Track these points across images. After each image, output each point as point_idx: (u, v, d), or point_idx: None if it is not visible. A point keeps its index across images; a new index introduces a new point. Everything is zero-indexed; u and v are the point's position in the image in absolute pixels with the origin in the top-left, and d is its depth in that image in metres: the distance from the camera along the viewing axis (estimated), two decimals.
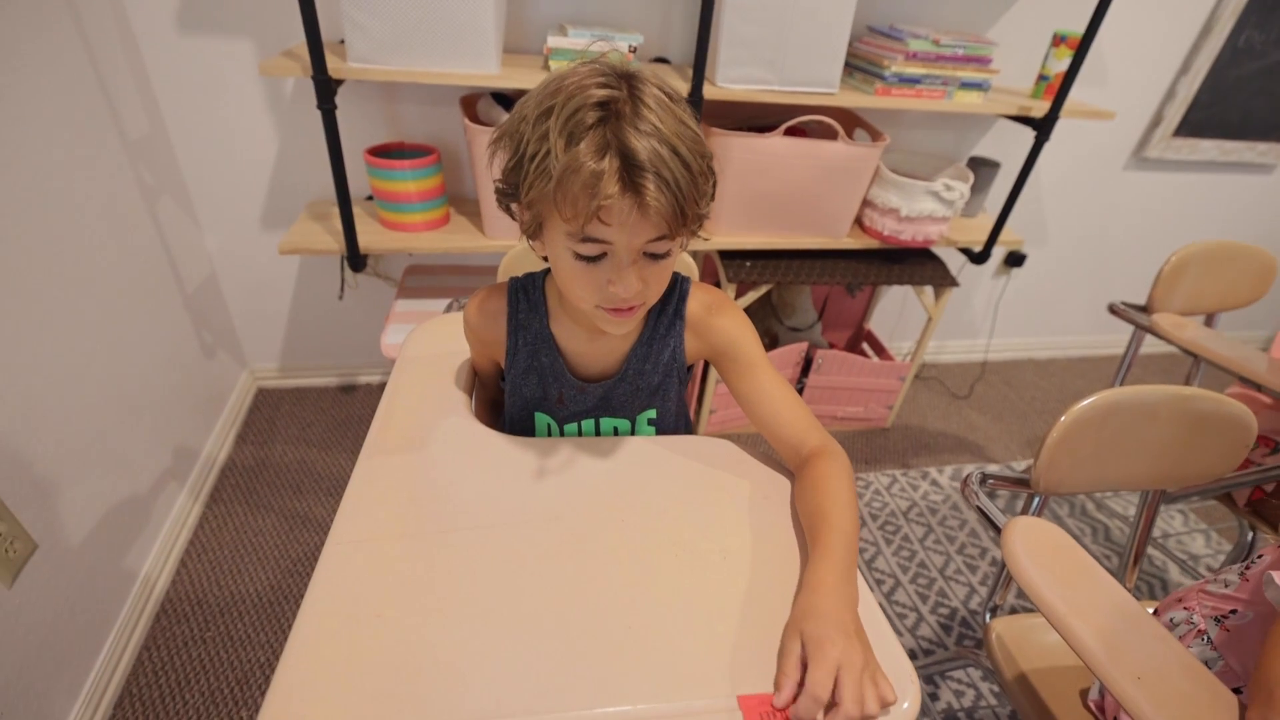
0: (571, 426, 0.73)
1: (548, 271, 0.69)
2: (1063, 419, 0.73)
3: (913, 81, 1.38)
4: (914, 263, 1.69)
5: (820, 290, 1.96)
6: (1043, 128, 1.47)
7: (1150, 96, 1.90)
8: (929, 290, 1.73)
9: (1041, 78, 1.53)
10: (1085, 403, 0.74)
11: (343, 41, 1.19)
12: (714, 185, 0.56)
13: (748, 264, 1.58)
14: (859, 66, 1.46)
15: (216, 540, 1.37)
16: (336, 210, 1.32)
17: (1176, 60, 1.85)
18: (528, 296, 0.68)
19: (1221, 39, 1.80)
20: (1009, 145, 1.83)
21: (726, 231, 1.54)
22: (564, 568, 0.54)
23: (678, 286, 0.68)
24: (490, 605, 0.50)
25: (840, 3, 1.25)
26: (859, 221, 1.64)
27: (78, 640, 1.04)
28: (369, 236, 1.35)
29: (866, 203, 1.59)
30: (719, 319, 0.68)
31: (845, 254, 1.66)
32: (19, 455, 0.93)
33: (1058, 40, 1.46)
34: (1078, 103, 1.61)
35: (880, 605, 0.71)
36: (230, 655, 1.17)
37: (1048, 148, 1.86)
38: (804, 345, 1.79)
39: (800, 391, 1.84)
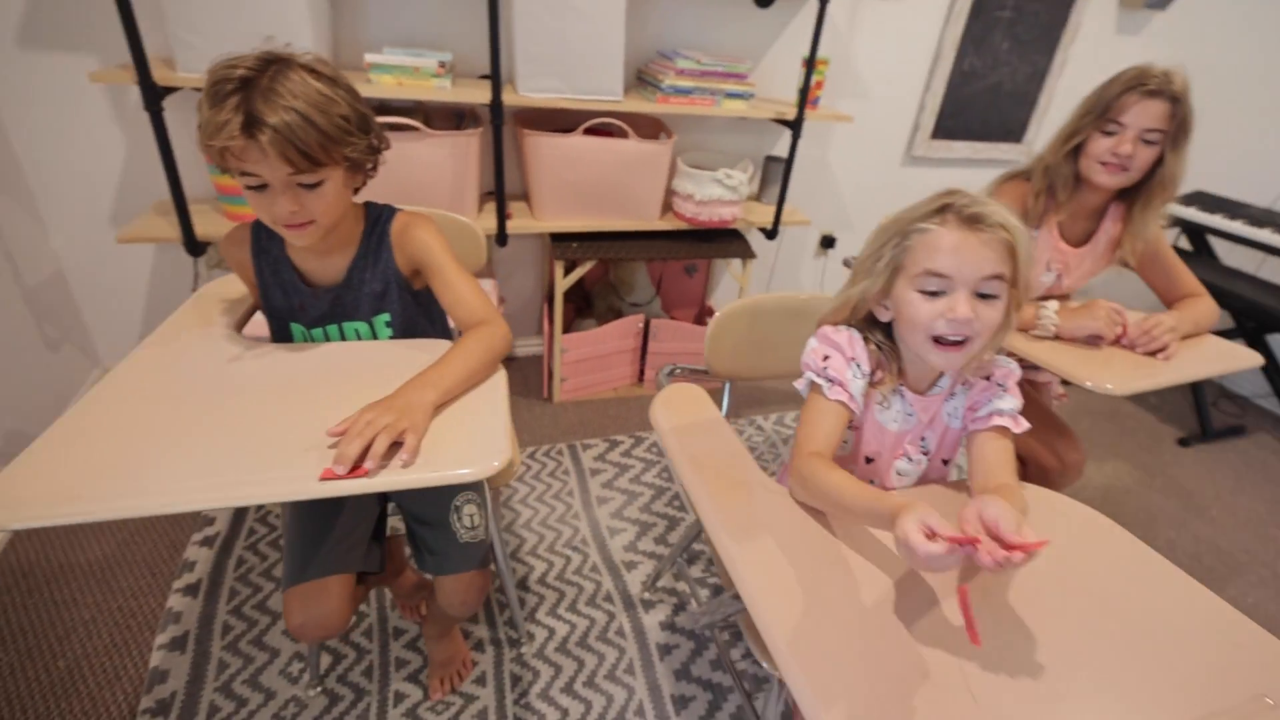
0: (318, 332, 0.94)
1: None
2: (716, 315, 1.01)
3: (685, 92, 1.70)
4: (720, 241, 2.01)
5: (655, 269, 2.26)
6: (795, 128, 1.83)
7: (908, 108, 2.34)
8: (736, 264, 2.05)
9: (801, 91, 1.90)
10: (733, 303, 1.02)
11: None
12: (367, 134, 0.82)
13: (574, 244, 1.85)
14: (647, 80, 1.78)
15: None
16: None
17: (921, 80, 2.30)
18: (267, 231, 0.90)
19: (949, 64, 2.26)
20: (807, 148, 2.21)
21: (551, 216, 1.80)
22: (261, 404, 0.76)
23: (383, 213, 0.93)
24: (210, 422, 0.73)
25: (610, 29, 1.55)
26: (671, 208, 1.95)
27: None
28: (210, 227, 1.51)
29: (672, 191, 1.90)
30: (412, 231, 0.92)
31: (660, 234, 1.97)
32: None
33: (804, 63, 1.83)
34: (827, 109, 2.00)
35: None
36: (54, 617, 1.25)
37: (843, 148, 2.28)
38: (640, 317, 2.06)
39: (642, 357, 2.12)
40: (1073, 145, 1.15)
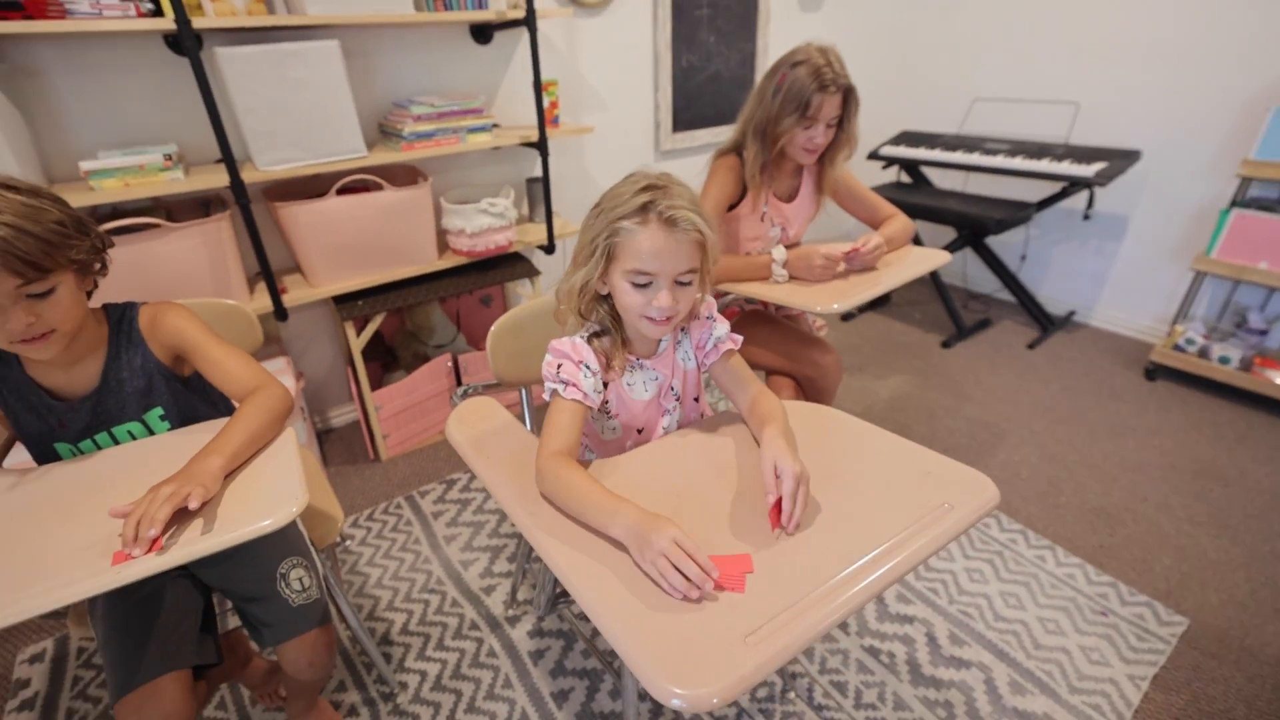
0: (88, 444, 0.93)
1: None
2: (490, 332, 1.13)
3: (428, 135, 1.80)
4: (504, 266, 2.13)
5: (450, 308, 2.32)
6: (542, 148, 2.00)
7: (645, 109, 2.61)
8: (527, 284, 2.18)
9: (538, 113, 2.06)
10: (499, 319, 1.15)
11: None
12: (87, 235, 0.83)
13: (360, 302, 1.87)
14: (390, 132, 1.85)
15: None
16: None
17: (648, 83, 2.57)
18: (1, 358, 0.88)
19: (669, 65, 2.56)
20: (564, 163, 2.39)
21: (328, 281, 1.81)
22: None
23: (126, 311, 0.94)
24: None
25: (335, 91, 1.60)
26: (448, 245, 2.03)
27: None
28: None
29: (444, 230, 1.99)
30: (162, 320, 0.94)
31: (443, 274, 2.04)
32: None
33: (534, 86, 2.00)
34: (569, 125, 2.20)
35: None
36: None
37: (598, 157, 2.49)
38: (447, 356, 2.12)
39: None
40: (781, 142, 1.39)
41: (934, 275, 2.77)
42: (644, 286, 0.88)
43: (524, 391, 1.28)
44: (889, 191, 2.87)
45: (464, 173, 2.18)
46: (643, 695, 1.27)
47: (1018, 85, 2.77)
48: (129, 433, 0.95)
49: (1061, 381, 2.42)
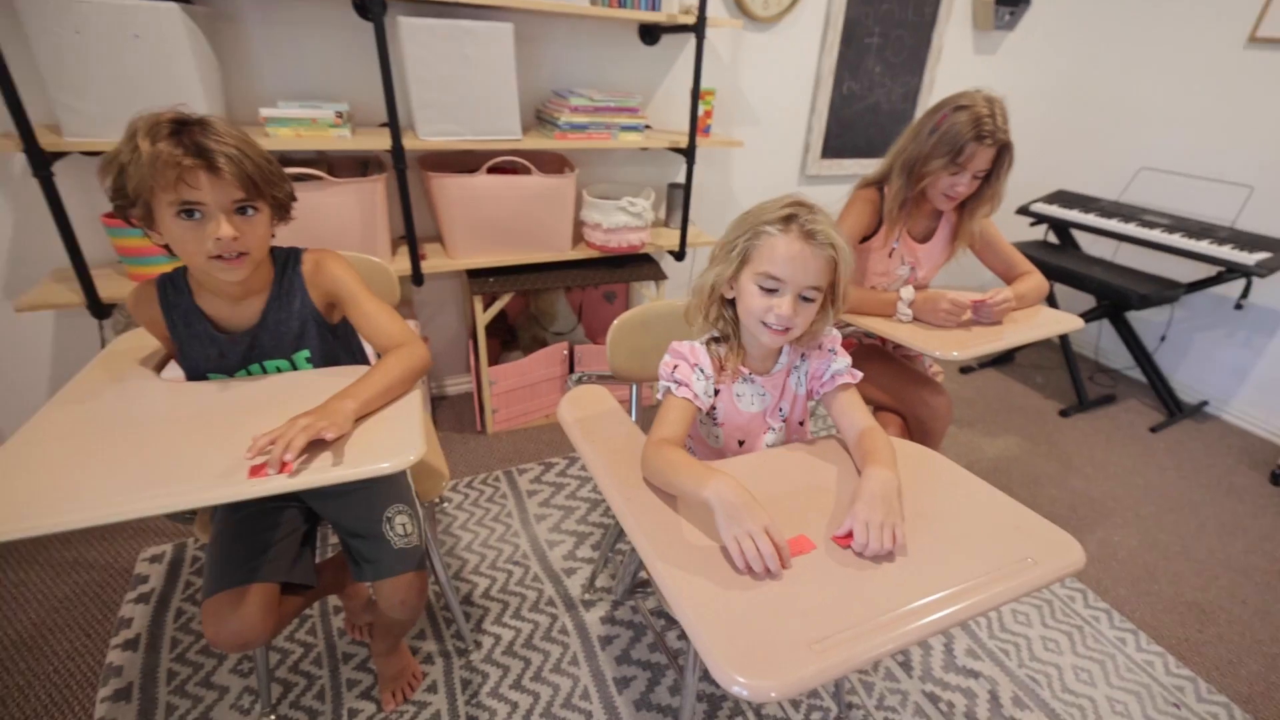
0: (241, 374, 0.97)
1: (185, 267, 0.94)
2: (613, 324, 1.09)
3: (582, 127, 1.81)
4: (632, 266, 2.11)
5: (575, 299, 2.33)
6: (690, 155, 1.96)
7: (797, 131, 2.53)
8: (652, 286, 2.15)
9: (691, 120, 2.04)
10: (626, 314, 1.11)
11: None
12: (285, 180, 0.88)
13: (491, 279, 1.90)
14: (545, 119, 1.88)
15: None
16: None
17: (805, 105, 2.49)
18: (173, 283, 0.94)
19: (829, 89, 2.47)
20: (708, 173, 2.35)
21: (465, 254, 1.86)
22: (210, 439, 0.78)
23: (290, 255, 0.97)
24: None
25: (502, 73, 1.65)
26: (582, 238, 2.03)
27: None
28: (113, 289, 1.50)
29: (581, 221, 1.99)
30: (325, 267, 0.97)
31: (574, 264, 2.05)
32: None
33: (691, 93, 1.97)
34: (719, 136, 2.15)
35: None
36: None
37: (742, 171, 2.44)
38: (565, 345, 2.12)
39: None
40: (924, 182, 1.35)
41: (1064, 341, 2.67)
42: (770, 292, 0.88)
43: (634, 388, 1.26)
44: (1033, 250, 2.69)
45: (610, 169, 2.19)
46: (701, 696, 1.29)
47: (1190, 160, 2.54)
48: (277, 367, 0.98)
49: (1179, 470, 2.20)
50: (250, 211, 0.84)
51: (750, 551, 0.69)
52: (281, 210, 0.91)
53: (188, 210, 0.80)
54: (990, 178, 1.34)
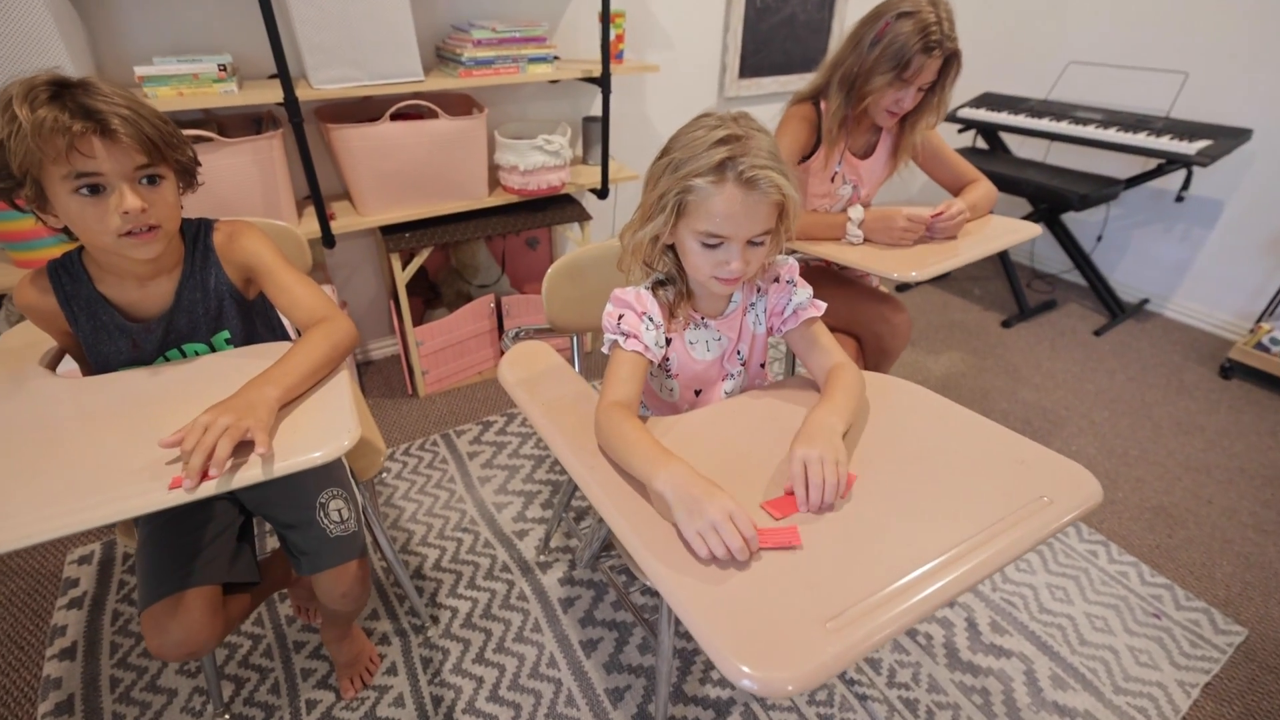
0: (160, 362, 0.91)
1: (81, 248, 0.86)
2: (546, 274, 1.08)
3: (487, 63, 1.71)
4: (554, 209, 2.06)
5: (497, 248, 2.27)
6: (605, 84, 1.90)
7: (712, 51, 2.46)
8: (576, 228, 2.11)
9: (603, 47, 1.95)
10: (558, 261, 1.09)
11: None
12: (188, 145, 0.81)
13: (407, 235, 1.83)
14: (447, 56, 1.76)
15: None
16: None
17: (719, 23, 2.42)
18: (67, 271, 0.85)
19: (742, 4, 2.39)
20: (623, 103, 2.27)
21: (376, 210, 1.77)
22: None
23: (200, 227, 0.90)
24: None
25: (395, 6, 1.52)
26: (499, 182, 1.96)
27: None
28: (1, 278, 1.36)
29: (496, 165, 1.92)
30: (239, 240, 0.91)
31: (492, 211, 1.98)
32: None
33: (600, 17, 1.88)
34: (633, 62, 2.07)
35: None
36: None
37: (659, 99, 2.35)
38: (491, 297, 2.08)
39: (501, 338, 2.15)
40: (867, 100, 1.27)
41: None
42: (714, 247, 0.82)
43: (575, 339, 1.23)
44: (963, 157, 2.69)
45: (520, 105, 2.09)
46: (675, 652, 1.26)
47: (1119, 50, 2.53)
48: (195, 352, 0.93)
49: (1127, 372, 2.29)
50: (156, 180, 0.77)
51: (717, 546, 0.62)
52: (187, 176, 0.84)
53: (88, 185, 0.72)
54: (935, 87, 1.26)
